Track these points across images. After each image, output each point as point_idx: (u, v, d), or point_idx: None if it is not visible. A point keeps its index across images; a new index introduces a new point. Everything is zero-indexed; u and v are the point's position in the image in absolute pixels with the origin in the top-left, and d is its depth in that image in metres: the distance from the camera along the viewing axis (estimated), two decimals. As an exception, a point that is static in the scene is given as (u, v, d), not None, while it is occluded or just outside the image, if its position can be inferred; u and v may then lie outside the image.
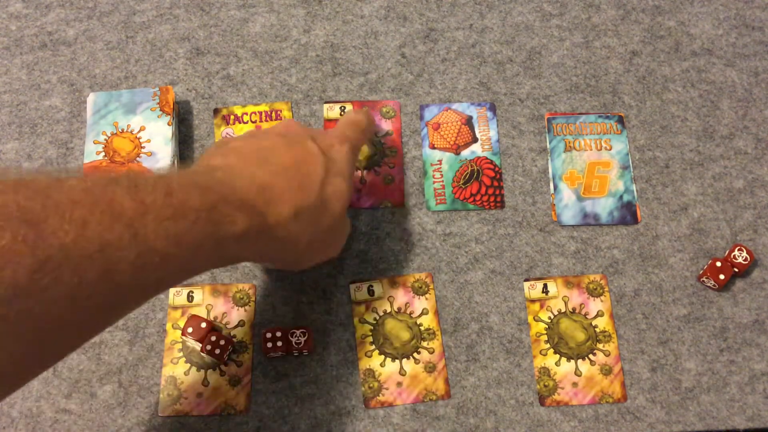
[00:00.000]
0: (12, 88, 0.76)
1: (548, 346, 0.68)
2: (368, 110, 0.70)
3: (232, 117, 0.75)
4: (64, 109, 0.75)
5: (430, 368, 0.67)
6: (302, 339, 0.65)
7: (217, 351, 0.65)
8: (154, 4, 0.80)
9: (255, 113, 0.75)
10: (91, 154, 0.70)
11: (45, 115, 0.75)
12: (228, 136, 0.74)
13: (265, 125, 0.75)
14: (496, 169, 0.74)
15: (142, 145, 0.71)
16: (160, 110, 0.72)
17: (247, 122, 0.75)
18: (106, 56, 0.77)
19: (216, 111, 0.75)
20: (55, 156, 0.73)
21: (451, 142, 0.75)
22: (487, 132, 0.75)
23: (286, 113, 0.75)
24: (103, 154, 0.70)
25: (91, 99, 0.73)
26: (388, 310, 0.68)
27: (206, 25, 0.79)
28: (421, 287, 0.69)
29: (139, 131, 0.71)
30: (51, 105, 0.75)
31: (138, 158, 0.70)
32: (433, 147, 0.74)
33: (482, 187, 0.73)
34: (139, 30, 0.78)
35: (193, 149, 0.74)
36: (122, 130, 0.71)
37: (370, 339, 0.67)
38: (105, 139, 0.71)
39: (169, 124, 0.71)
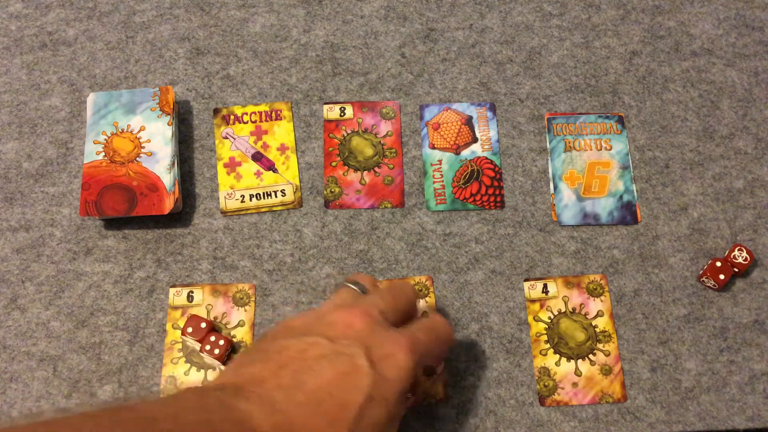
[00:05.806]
0: (12, 88, 0.76)
1: (548, 346, 0.68)
2: (449, 324, 0.58)
3: (232, 117, 0.75)
4: (64, 109, 0.75)
5: (429, 372, 0.66)
6: (302, 339, 0.65)
7: (217, 351, 0.65)
8: (154, 4, 0.80)
9: (255, 113, 0.75)
10: (91, 154, 0.70)
11: (45, 115, 0.75)
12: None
13: (265, 125, 0.75)
14: (496, 169, 0.74)
15: (142, 145, 0.71)
16: (160, 110, 0.72)
17: (247, 122, 0.75)
18: (106, 56, 0.77)
19: (216, 111, 0.75)
20: (55, 156, 0.73)
21: (451, 142, 0.75)
22: (487, 132, 0.75)
23: (286, 113, 0.75)
24: (103, 154, 0.70)
25: (91, 99, 0.73)
26: (388, 310, 0.68)
27: (206, 25, 0.79)
28: (421, 290, 0.69)
29: (139, 131, 0.71)
30: (51, 105, 0.75)
31: (138, 158, 0.70)
32: (433, 147, 0.74)
33: (482, 187, 0.73)
34: (139, 30, 0.78)
35: (193, 149, 0.74)
36: (122, 130, 0.71)
37: (370, 339, 0.67)
38: (105, 139, 0.71)
39: (169, 124, 0.71)
